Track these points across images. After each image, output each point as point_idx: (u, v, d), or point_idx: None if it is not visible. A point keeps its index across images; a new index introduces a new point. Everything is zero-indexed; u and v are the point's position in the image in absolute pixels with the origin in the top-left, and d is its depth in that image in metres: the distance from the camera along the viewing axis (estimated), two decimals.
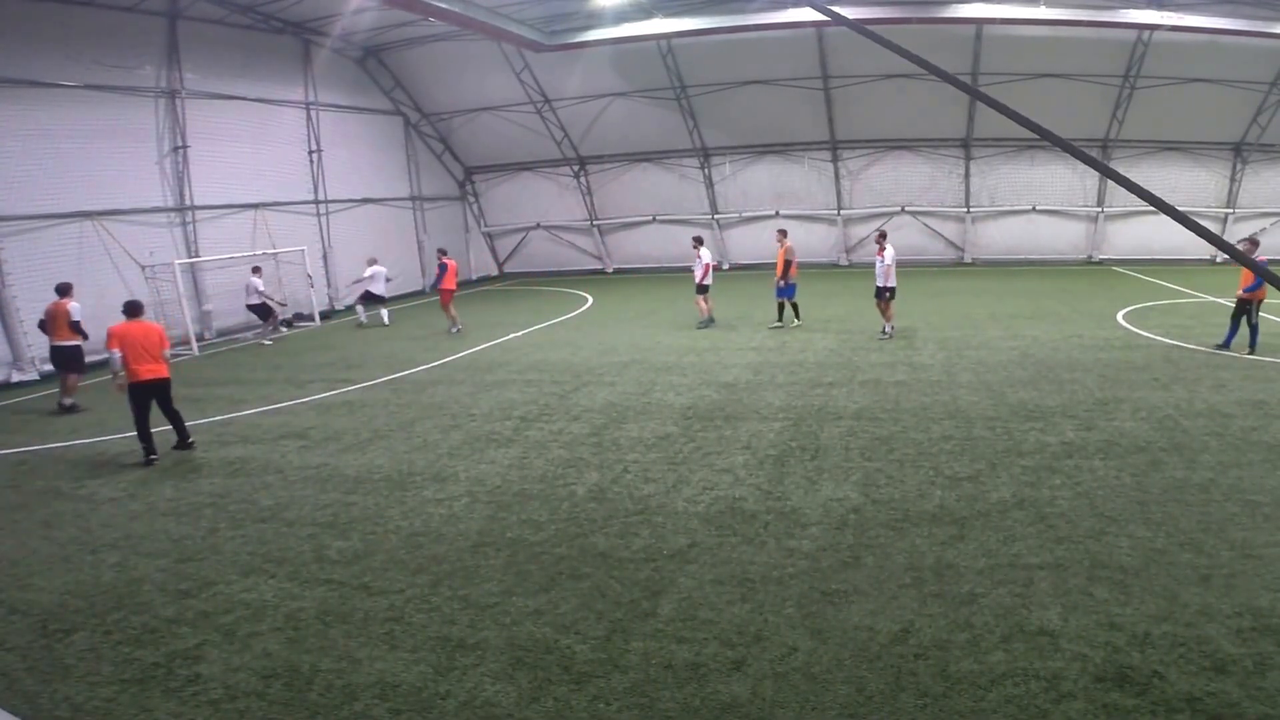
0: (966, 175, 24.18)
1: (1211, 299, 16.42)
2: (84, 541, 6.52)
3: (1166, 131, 22.13)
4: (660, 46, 22.05)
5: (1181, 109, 21.30)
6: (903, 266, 16.19)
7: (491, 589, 5.33)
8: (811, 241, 24.82)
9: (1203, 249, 22.19)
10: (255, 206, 19.42)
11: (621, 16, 20.14)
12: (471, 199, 28.30)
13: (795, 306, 15.31)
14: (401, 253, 24.76)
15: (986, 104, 2.61)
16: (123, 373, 8.54)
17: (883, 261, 13.31)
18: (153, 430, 8.68)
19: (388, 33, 21.48)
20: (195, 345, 16.39)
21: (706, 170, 25.80)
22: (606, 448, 8.28)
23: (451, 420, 9.70)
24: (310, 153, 21.41)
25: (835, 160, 24.76)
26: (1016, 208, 24.28)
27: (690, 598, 5.07)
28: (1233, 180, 22.59)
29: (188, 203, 17.68)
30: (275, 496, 7.37)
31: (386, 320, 18.60)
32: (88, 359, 12.50)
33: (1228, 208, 22.70)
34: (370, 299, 18.73)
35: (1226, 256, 20.73)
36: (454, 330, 16.38)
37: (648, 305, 19.38)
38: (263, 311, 17.35)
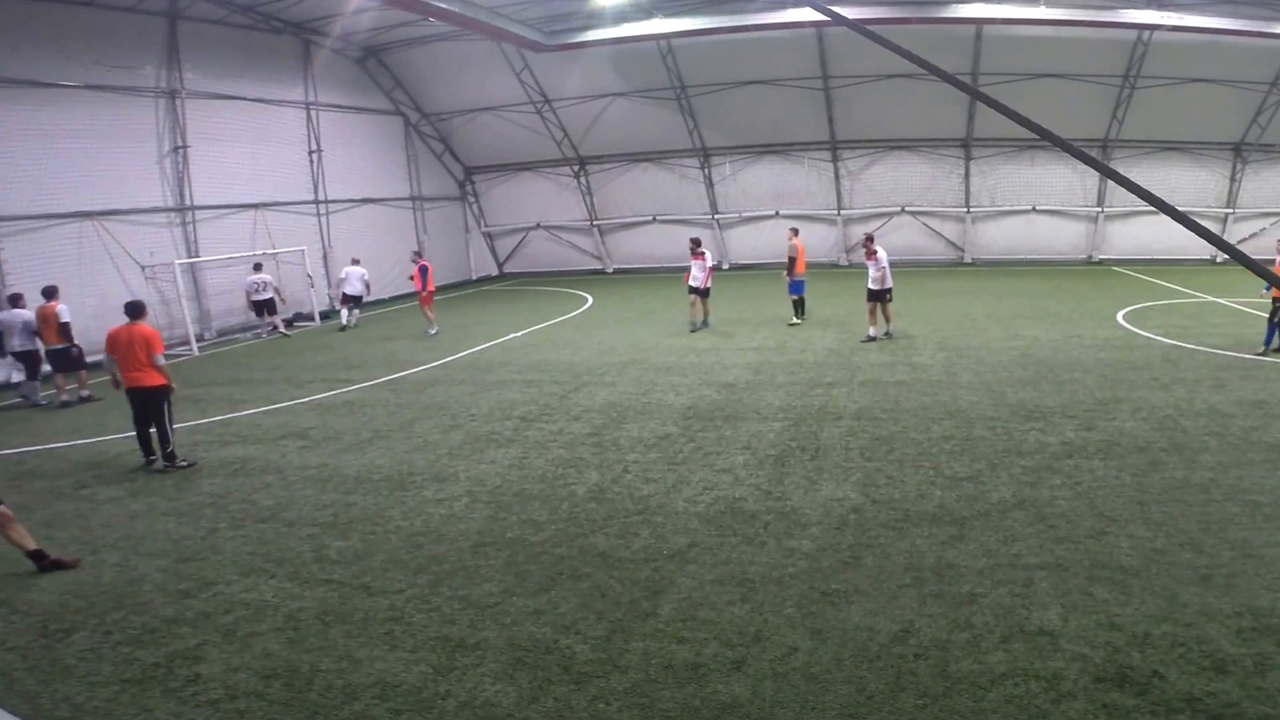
0: (966, 175, 24.18)
1: (1211, 299, 16.42)
2: (84, 541, 6.52)
3: (1166, 131, 22.13)
4: (660, 46, 22.05)
5: (1181, 109, 21.30)
6: (903, 266, 16.22)
7: (491, 589, 5.33)
8: (811, 242, 24.67)
9: (1203, 249, 22.18)
10: (255, 206, 19.42)
11: (621, 16, 20.14)
12: (471, 199, 28.30)
13: (799, 304, 15.64)
14: (401, 253, 24.74)
15: (986, 104, 2.61)
16: (119, 376, 8.44)
17: (877, 265, 13.09)
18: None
19: (388, 33, 21.49)
20: (195, 345, 16.40)
21: (706, 170, 25.81)
22: (606, 448, 8.28)
23: (451, 420, 9.70)
24: (310, 153, 21.42)
25: (835, 160, 24.76)
26: (1016, 208, 24.28)
27: (690, 598, 5.07)
28: (1233, 180, 22.58)
29: (188, 203, 17.68)
30: (275, 496, 7.37)
31: (345, 322, 18.30)
32: (90, 359, 12.55)
33: (1228, 208, 22.70)
34: (348, 300, 18.55)
35: (1226, 257, 20.75)
36: (431, 332, 16.30)
37: (648, 305, 19.38)
38: (270, 306, 17.92)
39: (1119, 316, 14.74)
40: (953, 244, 25.07)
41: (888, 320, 13.43)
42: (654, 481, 7.21)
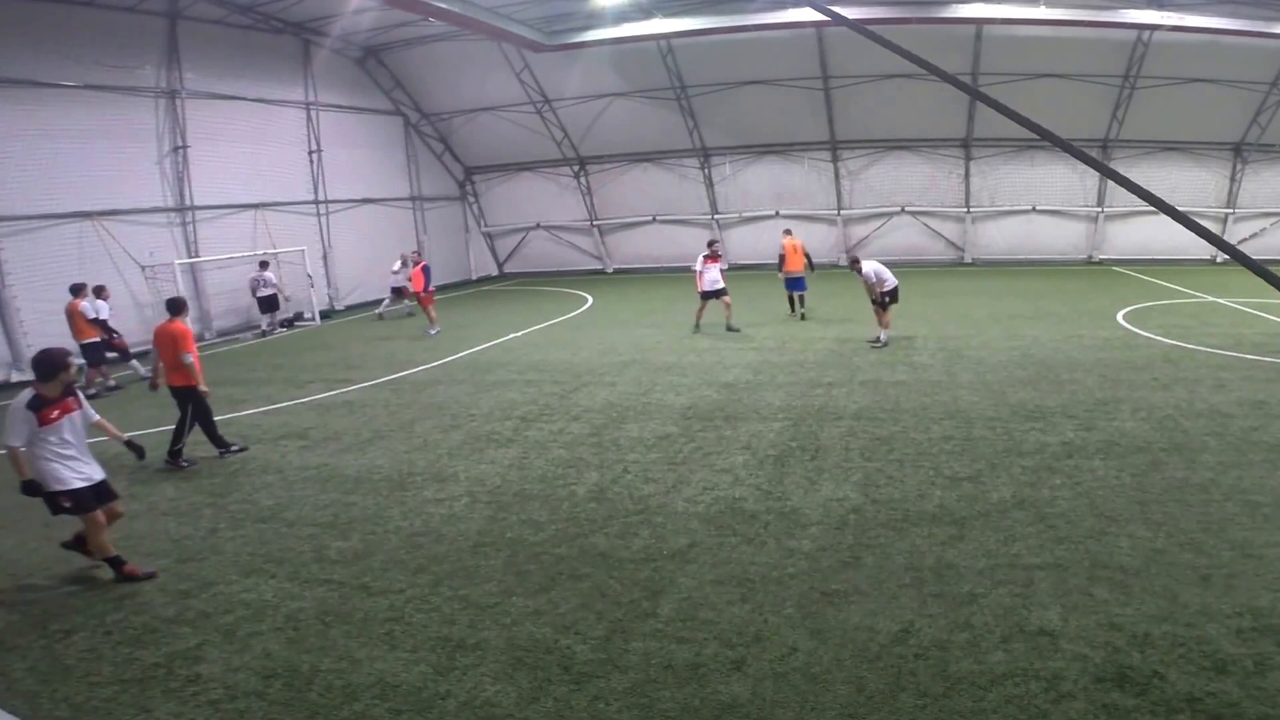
0: (966, 175, 24.18)
1: (1212, 299, 16.42)
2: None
3: (1166, 131, 22.12)
4: (660, 46, 22.05)
5: (1181, 109, 21.29)
6: (903, 266, 16.20)
7: (491, 589, 5.33)
8: (812, 242, 24.66)
9: (1203, 249, 22.18)
10: (255, 206, 19.43)
11: (621, 16, 20.14)
12: (471, 199, 28.30)
13: (792, 300, 16.04)
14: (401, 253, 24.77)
15: (986, 104, 2.61)
16: (156, 375, 8.70)
17: (866, 279, 12.92)
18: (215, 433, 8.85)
19: (388, 33, 21.49)
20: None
21: (706, 170, 25.80)
22: (606, 448, 8.27)
23: (451, 420, 9.70)
24: (310, 153, 21.42)
25: (835, 160, 24.75)
26: (1016, 208, 24.27)
27: (690, 598, 5.07)
28: (1233, 180, 22.58)
29: (188, 203, 17.68)
30: (275, 496, 7.37)
31: (380, 311, 19.93)
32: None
33: (1228, 208, 22.69)
34: (396, 294, 19.60)
35: (1227, 257, 20.75)
36: (432, 332, 16.35)
37: (648, 305, 19.38)
38: (273, 303, 18.24)
39: (1119, 317, 14.74)
40: (953, 244, 25.06)
41: (884, 326, 13.18)
42: (654, 481, 7.21)
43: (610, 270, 27.70)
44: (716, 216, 26.31)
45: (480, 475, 7.65)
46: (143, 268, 16.34)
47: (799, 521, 6.17)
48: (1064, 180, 23.56)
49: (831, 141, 24.39)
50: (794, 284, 15.99)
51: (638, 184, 26.52)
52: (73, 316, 12.60)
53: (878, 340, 12.89)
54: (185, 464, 8.44)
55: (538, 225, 27.95)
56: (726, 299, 14.90)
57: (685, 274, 26.10)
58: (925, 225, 25.05)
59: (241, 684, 4.36)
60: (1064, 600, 4.79)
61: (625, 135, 25.23)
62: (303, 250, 20.16)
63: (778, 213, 25.37)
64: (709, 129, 24.78)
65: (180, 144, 17.47)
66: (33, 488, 5.51)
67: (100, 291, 13.35)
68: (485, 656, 4.51)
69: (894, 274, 13.14)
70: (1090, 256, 24.20)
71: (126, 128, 16.40)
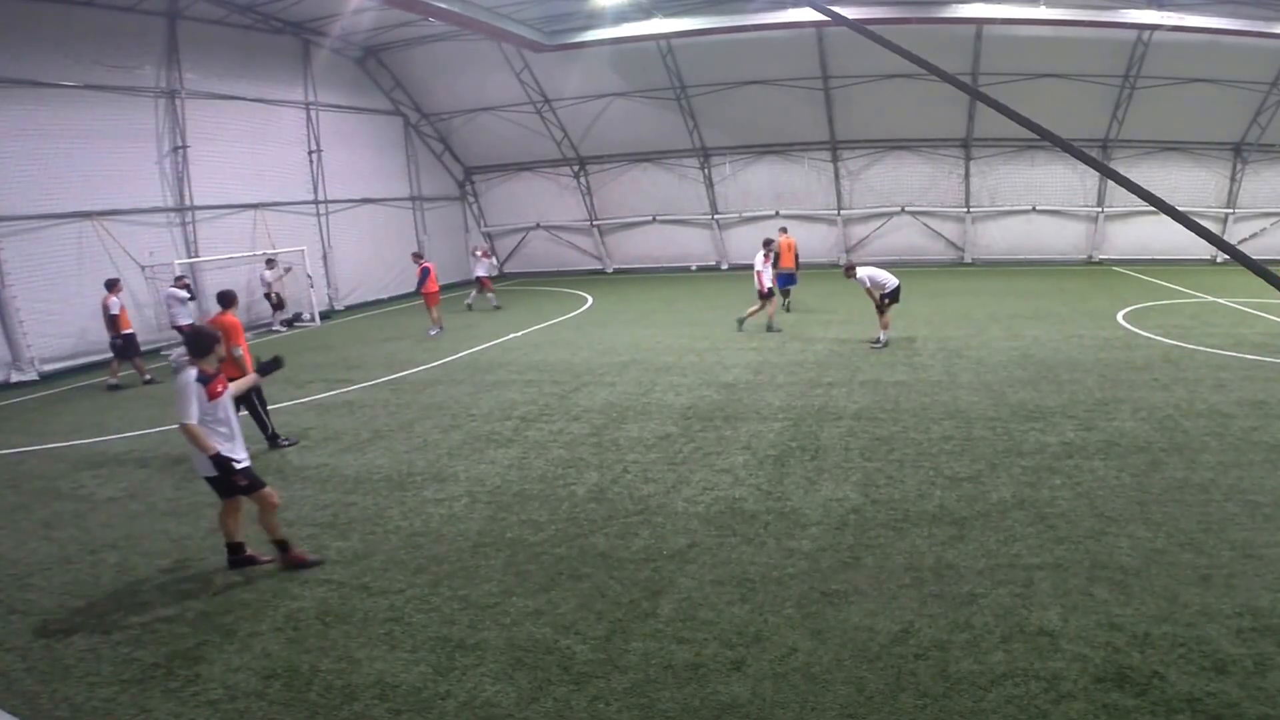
0: (966, 175, 24.17)
1: (1212, 299, 16.42)
2: (84, 541, 6.52)
3: (1166, 131, 22.12)
4: (660, 46, 22.05)
5: (1181, 109, 21.29)
6: (903, 266, 16.21)
7: (491, 589, 5.33)
8: (812, 242, 24.80)
9: (1203, 249, 22.18)
10: (255, 206, 19.42)
11: (621, 16, 20.13)
12: (471, 199, 28.29)
13: (784, 293, 16.71)
14: (401, 253, 24.76)
15: (986, 104, 2.61)
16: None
17: (862, 283, 12.91)
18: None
19: (388, 33, 21.48)
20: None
21: (706, 170, 25.80)
22: (606, 448, 8.27)
23: (451, 420, 9.70)
24: (310, 153, 21.41)
25: (835, 160, 24.75)
26: (1016, 208, 24.27)
27: (690, 598, 5.07)
28: (1233, 180, 22.58)
29: (187, 203, 17.68)
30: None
31: (469, 301, 20.38)
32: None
33: (1228, 208, 22.69)
34: (479, 284, 20.19)
35: (1227, 257, 20.73)
36: (432, 333, 16.39)
37: (648, 305, 19.37)
38: (278, 302, 18.64)
39: (1119, 317, 14.74)
40: (953, 244, 25.06)
41: (883, 327, 13.12)
42: (654, 482, 7.21)
43: (610, 270, 27.70)
44: (716, 217, 26.31)
45: (480, 475, 7.65)
46: (143, 268, 16.33)
47: (799, 521, 6.17)
48: (1064, 180, 23.55)
49: (831, 141, 24.39)
50: (786, 279, 16.62)
51: (638, 184, 26.51)
52: (104, 311, 13.34)
53: (878, 341, 12.87)
54: (286, 442, 8.91)
55: (538, 225, 27.94)
56: (773, 304, 15.00)
57: (685, 274, 26.24)
58: (925, 225, 25.05)
59: (241, 684, 4.36)
60: (1064, 600, 4.79)
61: (625, 135, 25.22)
62: (303, 250, 20.15)
63: (778, 213, 25.36)
64: (709, 129, 24.77)
65: (180, 144, 17.46)
66: (223, 460, 5.37)
67: (110, 286, 13.66)
68: (485, 656, 4.51)
69: (894, 274, 13.12)
70: (1090, 256, 24.19)
71: (126, 128, 16.39)
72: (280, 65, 20.41)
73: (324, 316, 20.28)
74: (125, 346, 13.32)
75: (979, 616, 4.66)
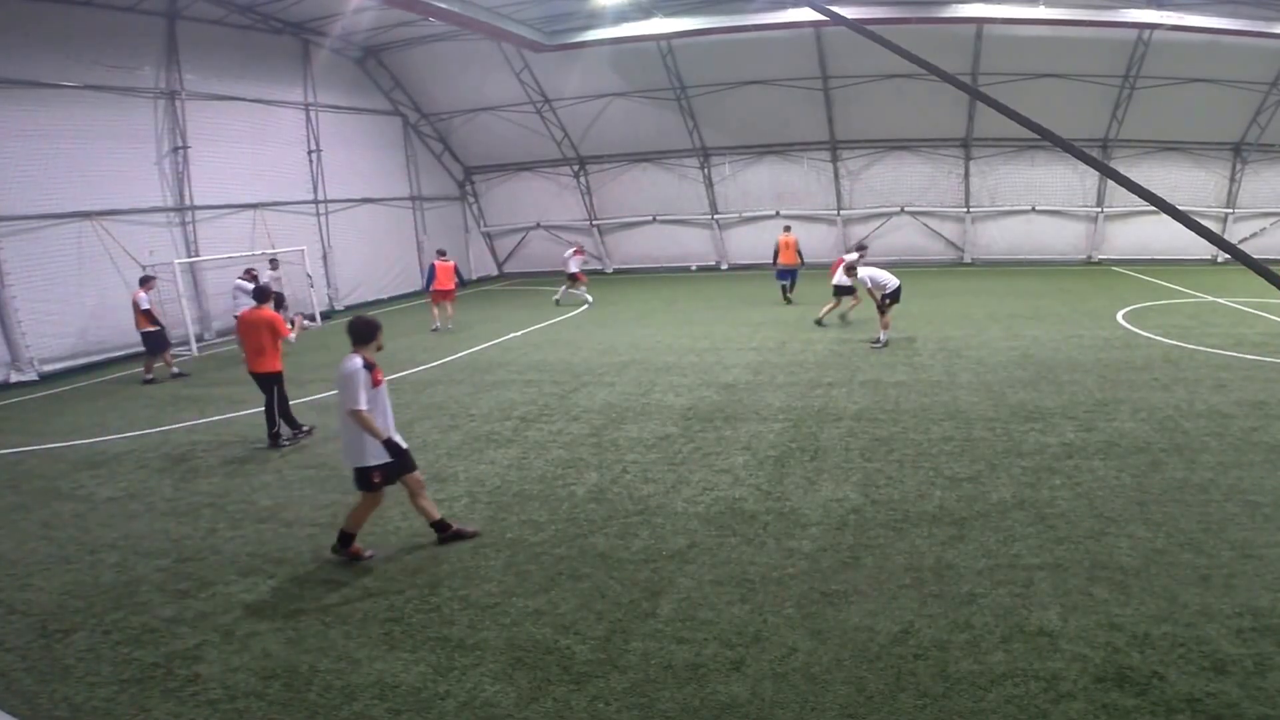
0: (966, 175, 24.17)
1: (1211, 299, 16.42)
2: (83, 541, 6.52)
3: (1166, 131, 22.12)
4: (660, 46, 22.04)
5: (1181, 109, 21.29)
6: (903, 266, 16.20)
7: (491, 589, 5.33)
8: (811, 242, 24.76)
9: (1203, 249, 22.18)
10: (255, 206, 19.41)
11: (621, 16, 20.13)
12: (471, 199, 28.29)
13: (784, 288, 17.95)
14: (401, 253, 24.78)
15: (986, 104, 2.61)
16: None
17: (866, 283, 12.94)
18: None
19: (387, 33, 21.47)
20: (194, 345, 16.40)
21: (706, 170, 25.80)
22: (606, 448, 8.27)
23: (451, 420, 9.70)
24: (310, 153, 21.41)
25: (835, 160, 24.75)
26: (1016, 208, 24.27)
27: (690, 598, 5.06)
28: (1233, 180, 22.58)
29: (187, 203, 17.68)
30: (274, 496, 7.37)
31: (558, 296, 20.31)
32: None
33: (1228, 208, 22.69)
34: (571, 279, 20.12)
35: (1227, 256, 20.74)
36: (434, 328, 16.56)
37: (648, 305, 19.37)
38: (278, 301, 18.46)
39: (1119, 316, 14.73)
40: (953, 244, 25.06)
41: (883, 327, 13.12)
42: (654, 482, 7.21)
43: (610, 270, 27.69)
44: (716, 217, 26.31)
45: (480, 475, 7.65)
46: (143, 268, 16.32)
47: (799, 522, 6.17)
48: (1064, 180, 23.55)
49: (831, 141, 24.38)
50: (785, 274, 17.93)
51: (637, 184, 26.51)
52: (134, 307, 13.63)
53: (877, 341, 12.87)
54: (285, 442, 8.96)
55: (537, 225, 27.94)
56: (856, 299, 14.93)
57: (685, 274, 26.22)
58: (925, 225, 25.04)
59: (240, 684, 4.36)
60: (1064, 600, 4.79)
61: (625, 135, 25.22)
62: (302, 250, 20.14)
63: (778, 213, 25.36)
64: (709, 129, 24.77)
65: (180, 144, 17.45)
66: (394, 445, 5.67)
67: (142, 282, 13.99)
68: (485, 657, 4.51)
69: (894, 275, 13.12)
70: (1090, 256, 24.19)
71: (126, 128, 16.38)
72: (280, 65, 20.40)
73: (324, 316, 20.27)
74: (153, 341, 13.52)
75: (979, 616, 4.66)
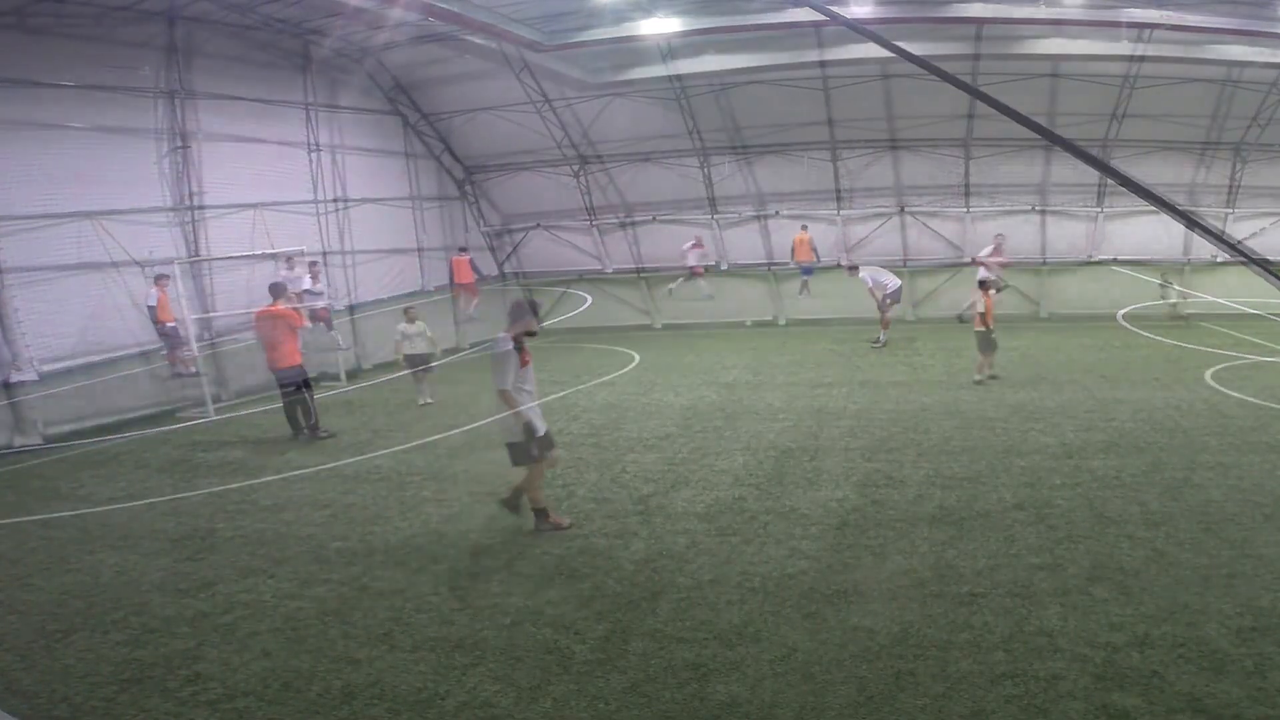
0: (966, 175, 24.16)
1: (1211, 299, 16.40)
2: (83, 542, 6.51)
3: (1166, 131, 22.10)
4: (660, 46, 22.02)
5: (1181, 109, 21.27)
6: (903, 266, 16.20)
7: (491, 589, 5.32)
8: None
9: (1203, 249, 22.15)
10: (255, 206, 19.39)
11: (621, 16, 20.12)
12: (471, 199, 28.27)
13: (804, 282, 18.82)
14: (400, 253, 24.74)
15: (987, 104, 2.61)
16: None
17: (867, 283, 13.07)
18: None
19: (387, 32, 21.44)
20: (195, 345, 16.37)
21: (706, 170, 25.78)
22: (606, 448, 8.27)
23: (451, 420, 9.69)
24: (310, 152, 21.40)
25: (835, 160, 24.73)
26: (1016, 208, 24.25)
27: (689, 598, 5.06)
28: (1232, 180, 22.56)
29: (187, 203, 17.66)
30: (274, 496, 7.36)
31: (672, 287, 20.64)
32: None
33: (1228, 208, 22.67)
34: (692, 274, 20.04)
35: (1227, 256, 20.72)
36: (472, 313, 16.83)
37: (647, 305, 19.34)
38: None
39: (1119, 316, 14.72)
40: (953, 244, 25.03)
41: (883, 327, 13.17)
42: (653, 481, 7.21)
43: (610, 270, 27.66)
44: (716, 216, 26.28)
45: (480, 475, 7.64)
46: (143, 268, 16.31)
47: (799, 521, 6.16)
48: (1064, 180, 23.52)
49: (831, 141, 24.36)
50: (804, 270, 18.87)
51: (637, 184, 26.49)
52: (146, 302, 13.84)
53: (877, 340, 12.88)
54: (324, 434, 9.16)
55: (537, 225, 27.92)
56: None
57: (683, 274, 26.15)
58: (925, 225, 25.02)
59: (240, 684, 4.35)
60: (1064, 600, 4.79)
61: (625, 135, 25.20)
62: (302, 250, 20.11)
63: (778, 212, 25.33)
64: (709, 129, 24.75)
65: (180, 144, 17.44)
66: (532, 427, 5.98)
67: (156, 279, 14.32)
68: (484, 656, 4.51)
69: (895, 275, 13.15)
70: (1090, 256, 24.17)
71: (126, 128, 16.36)
72: (280, 65, 20.39)
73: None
74: (167, 338, 13.70)
75: (979, 616, 4.66)
